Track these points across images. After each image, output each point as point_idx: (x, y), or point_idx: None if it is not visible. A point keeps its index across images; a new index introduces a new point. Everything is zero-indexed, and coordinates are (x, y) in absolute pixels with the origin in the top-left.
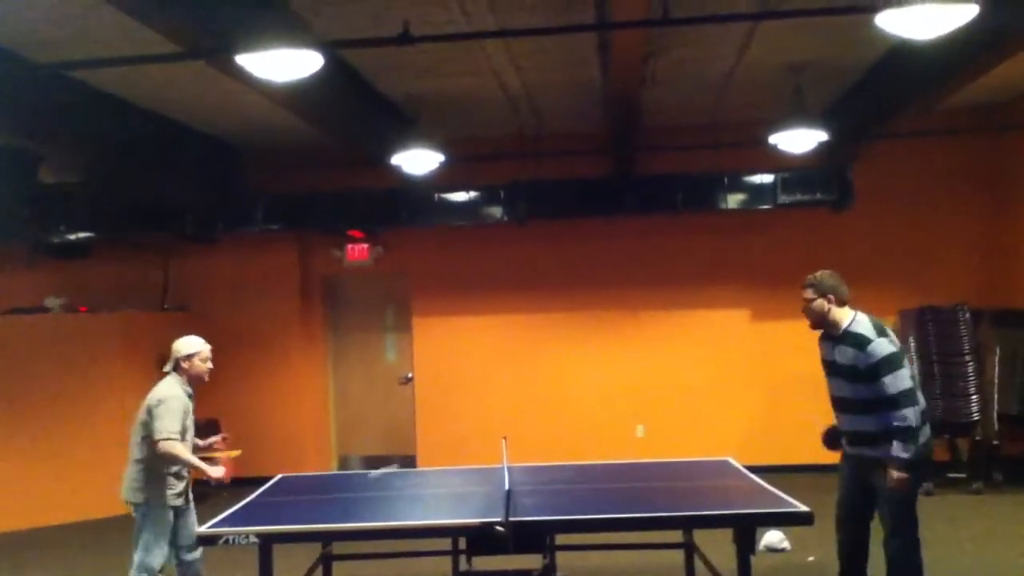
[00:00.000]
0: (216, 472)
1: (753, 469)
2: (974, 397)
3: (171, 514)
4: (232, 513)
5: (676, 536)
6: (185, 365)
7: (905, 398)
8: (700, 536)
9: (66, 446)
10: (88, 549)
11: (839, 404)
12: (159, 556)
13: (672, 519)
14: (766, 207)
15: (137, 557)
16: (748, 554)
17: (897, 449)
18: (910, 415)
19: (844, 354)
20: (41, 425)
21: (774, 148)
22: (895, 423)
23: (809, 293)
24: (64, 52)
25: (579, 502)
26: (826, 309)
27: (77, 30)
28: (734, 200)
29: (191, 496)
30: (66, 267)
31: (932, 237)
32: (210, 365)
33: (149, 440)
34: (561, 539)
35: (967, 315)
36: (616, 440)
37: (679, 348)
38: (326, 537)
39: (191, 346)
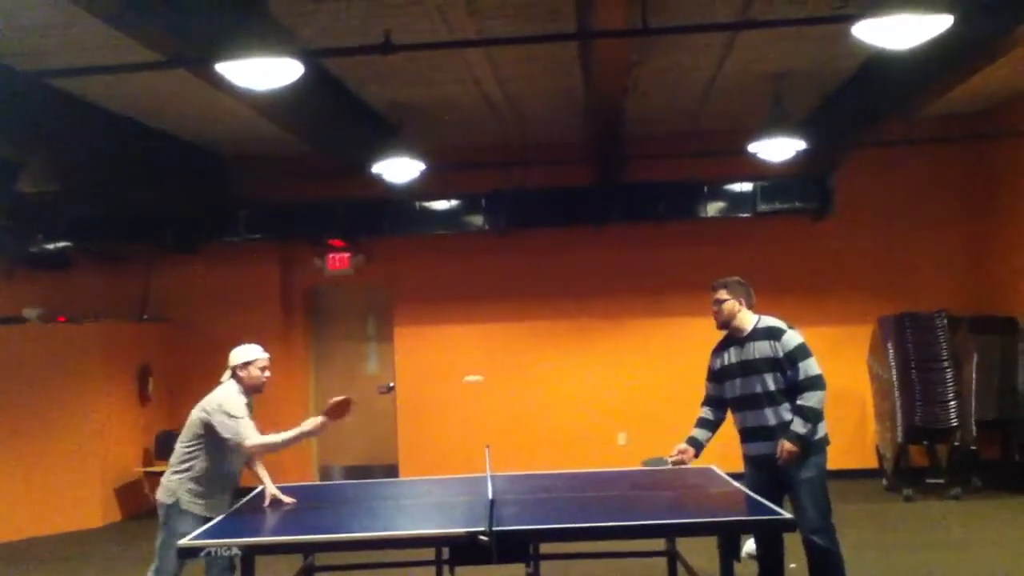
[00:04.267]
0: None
1: (736, 476)
2: (952, 403)
3: (191, 522)
4: (214, 525)
5: (660, 544)
6: (242, 374)
7: (814, 382)
8: (683, 543)
9: (45, 458)
10: (67, 562)
11: (743, 403)
12: (172, 560)
13: (655, 527)
14: (746, 215)
15: (156, 559)
16: (731, 561)
17: (797, 424)
18: (817, 397)
19: (758, 349)
20: (19, 437)
21: (754, 156)
22: (800, 402)
23: (723, 293)
24: (45, 60)
25: (562, 511)
26: (737, 310)
27: (59, 39)
28: (714, 208)
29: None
30: (45, 277)
31: (911, 245)
32: (268, 374)
33: (192, 445)
34: (545, 548)
35: (945, 322)
36: (598, 448)
37: (661, 356)
38: (309, 548)
39: (247, 354)
